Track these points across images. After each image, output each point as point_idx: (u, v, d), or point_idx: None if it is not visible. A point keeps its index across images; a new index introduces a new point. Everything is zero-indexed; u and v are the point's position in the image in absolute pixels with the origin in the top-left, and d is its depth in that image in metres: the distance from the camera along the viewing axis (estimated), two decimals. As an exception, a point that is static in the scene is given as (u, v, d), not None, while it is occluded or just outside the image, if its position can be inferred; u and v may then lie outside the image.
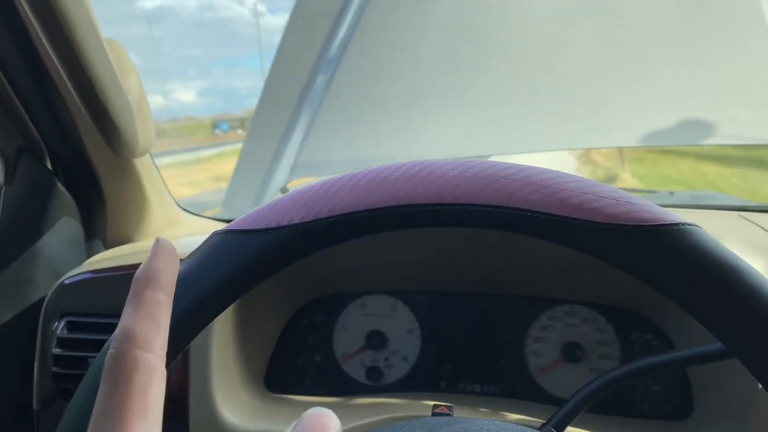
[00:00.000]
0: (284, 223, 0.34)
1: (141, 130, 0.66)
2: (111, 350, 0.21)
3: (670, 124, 1.36)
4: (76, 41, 0.50)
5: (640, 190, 1.58)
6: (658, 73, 1.43)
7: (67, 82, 0.55)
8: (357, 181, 0.34)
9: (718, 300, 0.30)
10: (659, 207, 0.33)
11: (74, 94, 0.57)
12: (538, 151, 1.26)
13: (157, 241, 0.25)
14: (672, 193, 1.24)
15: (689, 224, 0.32)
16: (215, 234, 0.35)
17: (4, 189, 0.73)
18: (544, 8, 1.40)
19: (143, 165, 0.77)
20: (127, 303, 0.23)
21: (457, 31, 1.39)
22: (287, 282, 0.71)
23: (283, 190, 1.32)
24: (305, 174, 1.41)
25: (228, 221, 1.21)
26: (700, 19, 1.52)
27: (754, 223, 0.70)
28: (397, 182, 0.34)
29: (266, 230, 0.33)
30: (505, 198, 0.33)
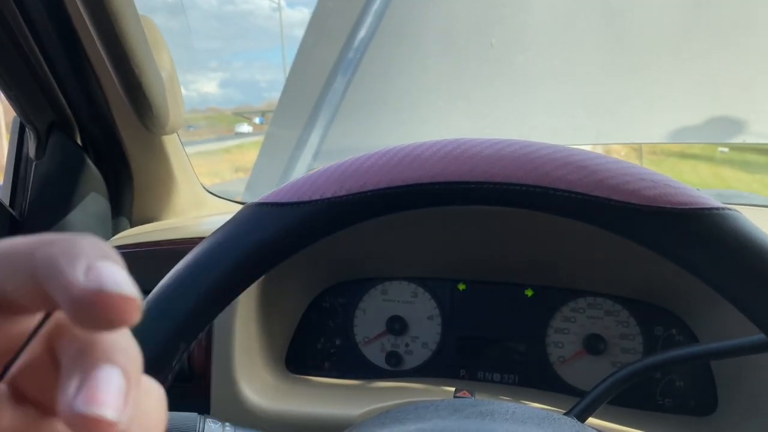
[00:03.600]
0: (316, 197, 0.34)
1: (172, 107, 0.67)
2: None
3: (699, 121, 1.34)
4: (114, 14, 0.51)
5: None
6: (686, 69, 1.40)
7: (104, 55, 0.56)
8: (390, 157, 0.34)
9: (760, 285, 0.29)
10: (698, 191, 0.32)
11: (109, 67, 0.57)
12: (563, 144, 1.25)
13: None
14: (698, 190, 1.22)
15: (729, 209, 0.31)
16: (247, 206, 0.35)
17: (35, 163, 0.74)
18: (567, 6, 1.38)
19: (171, 144, 0.78)
20: None
21: (485, 18, 1.37)
22: (310, 265, 0.71)
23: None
24: (329, 161, 1.41)
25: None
26: (727, 13, 1.49)
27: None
28: (430, 159, 0.34)
29: (299, 203, 0.34)
30: (540, 177, 0.33)
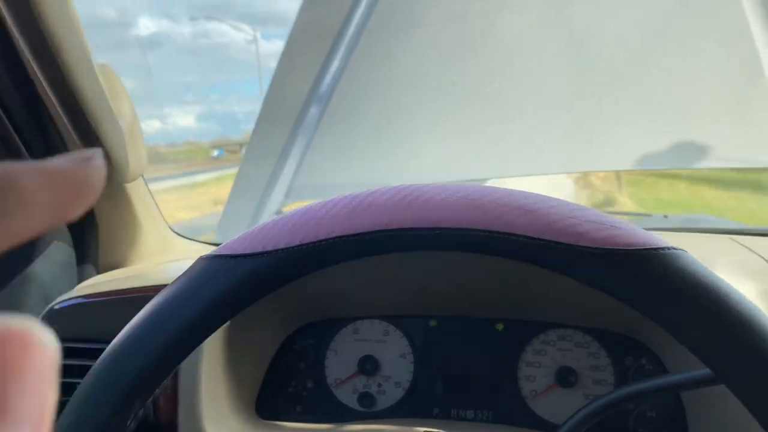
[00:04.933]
0: (270, 248, 0.34)
1: (132, 156, 0.66)
2: None
3: (665, 147, 1.36)
4: (67, 68, 0.50)
5: (635, 213, 1.59)
6: (650, 97, 1.44)
7: (58, 109, 0.55)
8: (344, 206, 0.34)
9: (704, 325, 0.29)
10: (645, 231, 0.32)
11: (64, 120, 0.57)
12: (531, 174, 1.26)
13: None
14: (666, 216, 1.24)
15: (675, 248, 0.32)
16: (202, 258, 0.35)
17: (-5, 213, 0.73)
18: (534, 35, 1.41)
19: (135, 189, 0.77)
20: None
21: (448, 57, 1.40)
22: (278, 307, 0.70)
23: (279, 213, 1.32)
24: (301, 198, 1.41)
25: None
26: (692, 41, 1.53)
27: (746, 247, 0.70)
28: (383, 207, 0.34)
29: (253, 255, 0.33)
30: (491, 222, 0.33)
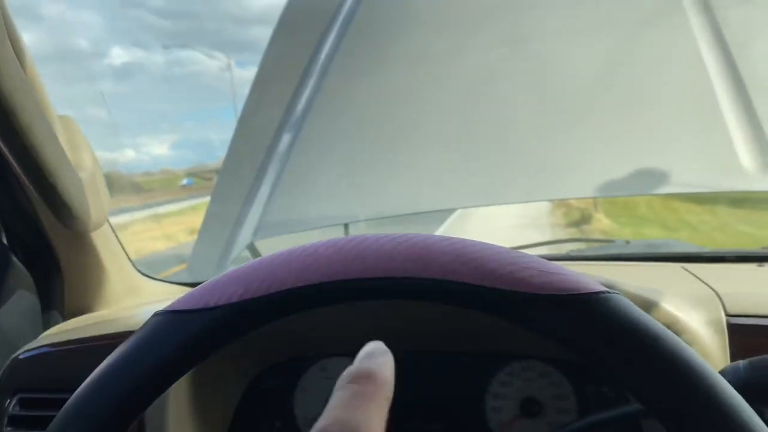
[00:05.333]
0: (222, 301, 0.35)
1: (93, 206, 0.67)
2: None
3: (624, 174, 1.40)
4: (23, 128, 0.51)
5: (598, 239, 1.62)
6: (610, 127, 1.48)
7: (16, 165, 0.56)
8: (295, 257, 0.36)
9: (636, 367, 0.31)
10: (581, 275, 0.34)
11: (23, 175, 0.58)
12: (496, 203, 1.29)
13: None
14: (628, 242, 1.27)
15: (610, 292, 0.33)
16: (156, 314, 0.36)
17: (-43, 265, 0.72)
18: (494, 72, 1.46)
19: (100, 236, 0.78)
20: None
21: (409, 96, 1.43)
22: (245, 348, 0.71)
23: (251, 247, 1.32)
24: (270, 234, 1.41)
25: (192, 284, 1.20)
26: (648, 72, 1.58)
27: (695, 276, 0.73)
28: (332, 258, 0.35)
29: (205, 309, 0.34)
30: (435, 270, 0.34)
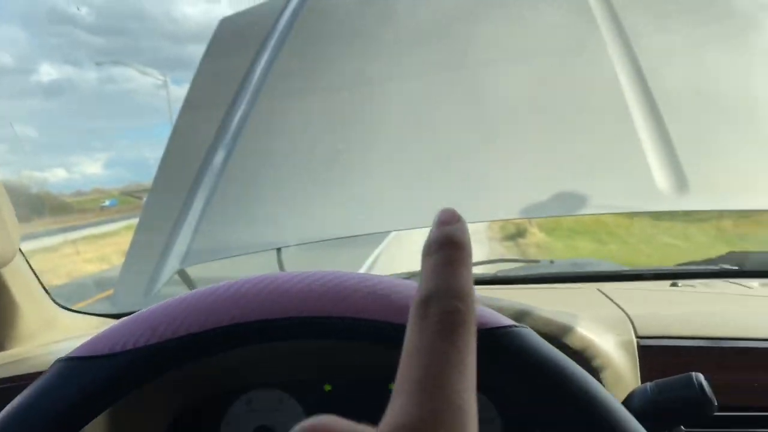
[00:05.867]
0: (129, 346, 0.34)
1: (2, 242, 0.64)
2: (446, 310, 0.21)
3: (548, 196, 1.45)
4: None
5: (524, 260, 1.67)
6: (534, 149, 1.53)
7: None
8: (204, 299, 0.35)
9: (543, 398, 0.32)
10: (493, 312, 0.35)
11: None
12: (423, 227, 1.31)
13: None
14: (552, 261, 1.31)
15: (519, 326, 0.35)
16: (58, 361, 0.35)
17: None
18: (421, 99, 1.49)
19: (11, 271, 0.74)
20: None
21: (335, 123, 1.45)
22: (166, 385, 0.69)
23: (182, 274, 1.29)
24: (200, 260, 1.38)
25: (115, 316, 1.15)
26: (569, 100, 1.65)
27: (609, 298, 0.76)
28: (241, 299, 0.35)
29: (109, 356, 0.33)
30: (347, 308, 0.35)
